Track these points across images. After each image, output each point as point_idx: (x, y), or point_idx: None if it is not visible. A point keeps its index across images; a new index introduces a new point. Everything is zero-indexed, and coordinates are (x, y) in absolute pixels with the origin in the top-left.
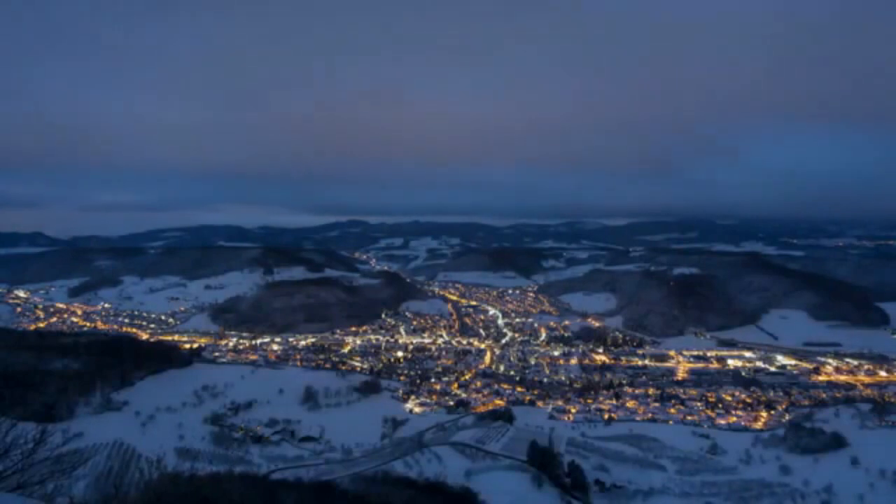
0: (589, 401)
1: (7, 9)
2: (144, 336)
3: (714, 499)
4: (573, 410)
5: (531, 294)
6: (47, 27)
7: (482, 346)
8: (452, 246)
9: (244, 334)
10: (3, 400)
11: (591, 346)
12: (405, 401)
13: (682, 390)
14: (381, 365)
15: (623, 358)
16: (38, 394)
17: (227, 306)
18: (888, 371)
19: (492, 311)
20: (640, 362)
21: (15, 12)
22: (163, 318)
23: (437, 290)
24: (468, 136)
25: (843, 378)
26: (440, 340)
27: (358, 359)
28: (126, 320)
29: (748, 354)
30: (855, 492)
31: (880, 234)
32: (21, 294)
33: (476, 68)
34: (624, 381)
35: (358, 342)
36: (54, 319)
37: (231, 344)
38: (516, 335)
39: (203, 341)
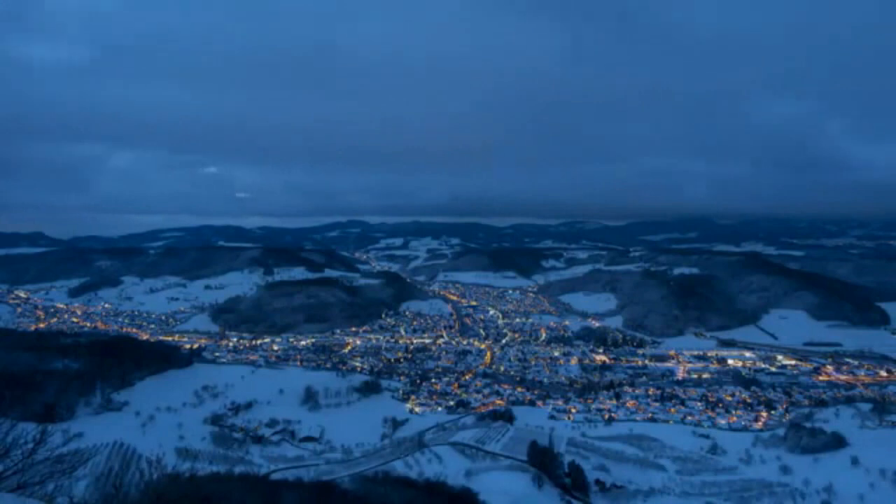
0: (589, 401)
1: None
2: (144, 336)
3: (714, 499)
4: (573, 410)
5: (531, 294)
6: None
7: (482, 346)
8: (452, 246)
9: (244, 334)
10: (3, 400)
11: (591, 346)
12: (405, 401)
13: (682, 390)
14: (381, 365)
15: (623, 358)
16: (38, 394)
17: (227, 306)
18: (888, 371)
19: (492, 312)
20: (640, 362)
21: None
22: (163, 318)
23: (437, 290)
24: None
25: (843, 378)
26: (440, 340)
27: (358, 359)
28: (126, 321)
29: (748, 354)
30: (855, 492)
31: (880, 234)
32: (21, 294)
33: None
34: (624, 381)
35: (358, 342)
36: (54, 320)
37: (231, 344)
38: (516, 335)
39: (203, 341)
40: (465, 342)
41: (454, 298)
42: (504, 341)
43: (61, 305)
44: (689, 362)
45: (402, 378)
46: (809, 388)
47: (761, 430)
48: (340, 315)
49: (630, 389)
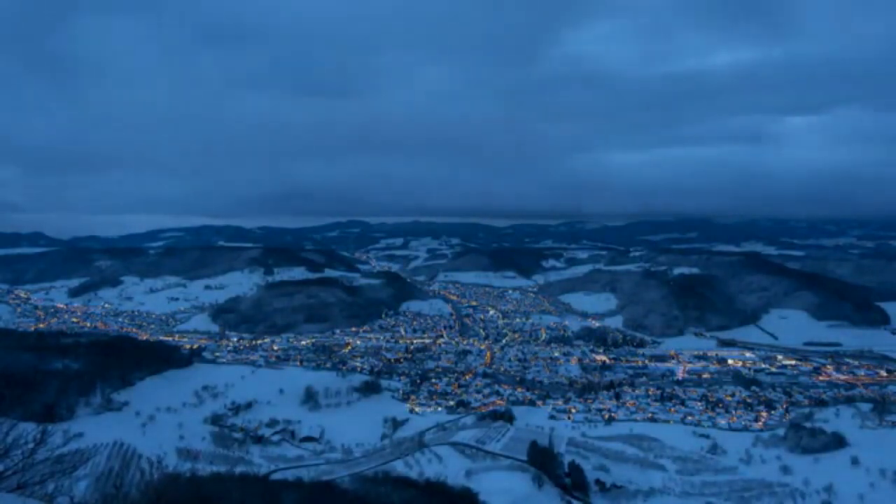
0: (589, 401)
1: None
2: (144, 336)
3: (714, 499)
4: (573, 410)
5: (531, 294)
6: None
7: (482, 346)
8: (452, 246)
9: (244, 334)
10: (3, 400)
11: (591, 346)
12: (405, 401)
13: (682, 390)
14: (381, 365)
15: (623, 358)
16: (38, 394)
17: (228, 306)
18: (888, 371)
19: (492, 312)
20: (640, 362)
21: None
22: (163, 318)
23: (437, 290)
24: None
25: (843, 378)
26: (440, 340)
27: (358, 359)
28: (126, 320)
29: (748, 354)
30: (855, 491)
31: (880, 233)
32: (21, 294)
33: None
34: (624, 381)
35: (358, 342)
36: (54, 320)
37: (231, 344)
38: (516, 335)
39: (203, 341)
40: (465, 342)
41: (454, 298)
42: (504, 341)
43: (61, 305)
44: (689, 362)
45: (402, 378)
46: (809, 388)
47: (761, 430)
48: (340, 315)
49: (630, 389)
